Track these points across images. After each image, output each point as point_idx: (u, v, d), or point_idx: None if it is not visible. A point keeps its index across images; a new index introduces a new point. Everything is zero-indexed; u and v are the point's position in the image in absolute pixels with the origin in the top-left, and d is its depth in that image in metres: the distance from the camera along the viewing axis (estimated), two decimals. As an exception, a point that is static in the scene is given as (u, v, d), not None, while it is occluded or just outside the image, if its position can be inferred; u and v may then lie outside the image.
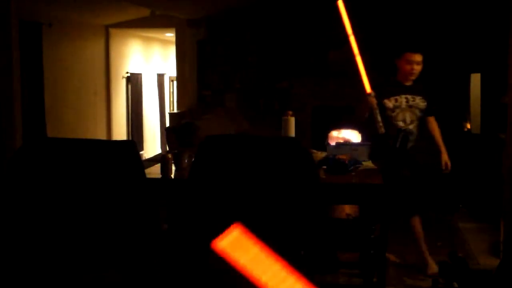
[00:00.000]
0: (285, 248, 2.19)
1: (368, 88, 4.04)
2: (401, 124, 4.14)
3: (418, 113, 4.19)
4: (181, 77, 8.75)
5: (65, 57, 7.98)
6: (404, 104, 4.16)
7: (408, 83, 4.20)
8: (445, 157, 4.29)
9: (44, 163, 2.25)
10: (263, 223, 2.21)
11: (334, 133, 4.25)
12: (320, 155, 3.82)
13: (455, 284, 3.66)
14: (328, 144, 4.02)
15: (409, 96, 4.18)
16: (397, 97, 4.17)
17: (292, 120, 4.25)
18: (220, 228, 2.26)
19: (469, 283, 3.57)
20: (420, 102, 4.19)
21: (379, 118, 4.02)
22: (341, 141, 4.05)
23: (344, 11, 4.30)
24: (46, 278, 2.23)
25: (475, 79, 6.36)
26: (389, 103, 4.16)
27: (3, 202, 2.24)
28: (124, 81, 9.80)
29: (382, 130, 4.02)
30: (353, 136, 4.23)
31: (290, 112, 4.31)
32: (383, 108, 4.12)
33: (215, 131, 2.54)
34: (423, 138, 4.25)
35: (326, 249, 2.26)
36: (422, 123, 4.24)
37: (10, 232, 2.23)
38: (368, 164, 3.69)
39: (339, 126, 4.41)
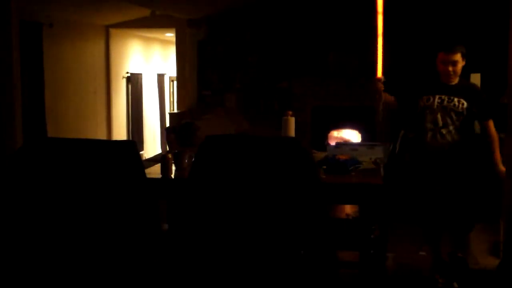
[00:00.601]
0: (285, 248, 2.20)
1: (379, 72, 3.79)
2: (430, 126, 3.78)
3: (454, 116, 3.73)
4: (181, 77, 8.75)
5: (66, 57, 7.99)
6: (436, 104, 3.75)
7: (451, 82, 3.79)
8: (499, 168, 3.85)
9: (44, 163, 2.25)
10: (263, 223, 2.21)
11: (334, 133, 4.26)
12: (320, 155, 3.82)
13: (455, 284, 3.67)
14: (328, 144, 4.02)
15: (445, 97, 3.74)
16: (430, 96, 3.78)
17: (292, 120, 4.25)
18: (220, 228, 2.27)
19: (469, 283, 3.57)
20: (458, 104, 3.73)
21: (380, 107, 3.80)
22: (341, 141, 4.05)
23: None
24: (46, 278, 2.23)
25: (475, 79, 6.35)
26: (421, 103, 3.80)
27: (3, 202, 2.24)
28: (124, 81, 9.80)
29: (380, 119, 3.87)
30: (353, 136, 4.23)
31: (290, 112, 4.31)
32: (415, 108, 3.82)
33: (215, 131, 2.54)
34: (466, 145, 3.78)
35: (326, 249, 2.26)
36: (464, 128, 3.79)
37: (10, 232, 2.23)
38: (368, 164, 3.69)
39: (339, 126, 4.41)
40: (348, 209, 4.43)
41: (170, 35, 9.98)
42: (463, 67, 3.87)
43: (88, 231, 2.21)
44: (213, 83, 8.16)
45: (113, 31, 9.22)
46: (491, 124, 3.82)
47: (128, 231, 2.21)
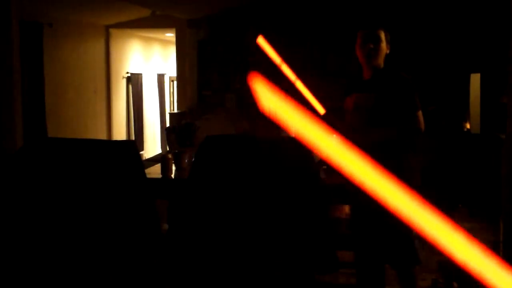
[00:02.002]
0: (285, 248, 2.20)
1: (320, 109, 3.36)
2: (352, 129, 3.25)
3: (365, 116, 3.16)
4: (181, 77, 8.76)
5: (66, 57, 7.99)
6: (351, 105, 3.26)
7: (368, 76, 3.24)
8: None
9: (45, 163, 2.25)
10: (264, 223, 2.21)
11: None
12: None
13: (455, 284, 3.67)
14: (328, 144, 4.01)
15: (361, 95, 3.22)
16: (349, 97, 3.30)
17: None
18: (220, 228, 2.27)
19: (469, 283, 3.57)
20: (368, 102, 3.17)
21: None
22: (341, 141, 4.04)
23: (266, 45, 3.82)
24: (46, 277, 2.23)
25: (475, 79, 6.37)
26: (345, 105, 3.33)
27: (4, 202, 2.24)
28: (124, 81, 9.80)
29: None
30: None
31: (290, 112, 4.30)
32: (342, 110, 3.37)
33: (215, 131, 2.54)
34: (385, 152, 3.02)
35: (326, 249, 2.26)
36: (383, 126, 3.13)
37: (10, 232, 2.23)
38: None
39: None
40: (348, 209, 4.42)
41: (170, 35, 9.98)
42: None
43: (88, 231, 2.21)
44: (213, 83, 8.16)
45: (113, 31, 9.22)
46: (419, 115, 3.15)
47: (128, 231, 2.21)
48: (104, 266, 2.21)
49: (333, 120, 3.23)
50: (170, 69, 11.29)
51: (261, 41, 4.00)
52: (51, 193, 2.22)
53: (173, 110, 11.48)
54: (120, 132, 9.58)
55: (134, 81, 10.07)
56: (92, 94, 8.81)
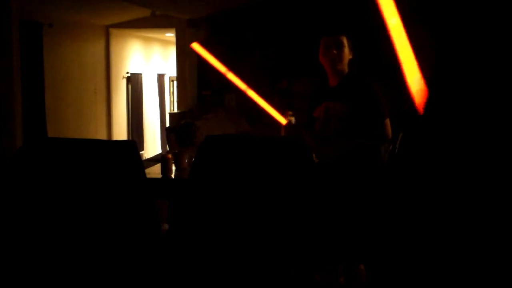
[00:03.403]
0: (285, 248, 2.20)
1: (281, 119, 3.37)
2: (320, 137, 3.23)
3: (336, 124, 3.14)
4: (181, 77, 8.76)
5: (66, 57, 7.99)
6: (322, 114, 3.23)
7: (338, 76, 3.22)
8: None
9: (45, 163, 2.25)
10: (264, 223, 2.21)
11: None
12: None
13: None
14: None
15: (330, 104, 3.19)
16: (319, 106, 3.27)
17: (292, 120, 4.25)
18: (220, 228, 2.27)
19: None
20: (338, 110, 3.14)
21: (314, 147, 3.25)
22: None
23: (203, 51, 3.72)
24: (46, 277, 2.23)
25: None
26: (313, 114, 3.30)
27: (3, 202, 2.24)
28: (124, 81, 9.81)
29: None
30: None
31: (290, 112, 4.31)
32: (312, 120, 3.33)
33: (215, 131, 2.54)
34: (354, 159, 3.10)
35: (326, 248, 2.26)
36: (354, 134, 3.11)
37: (10, 232, 2.23)
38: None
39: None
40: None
41: (170, 35, 9.98)
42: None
43: (88, 231, 2.22)
44: (213, 83, 8.15)
45: (113, 31, 9.23)
46: (386, 123, 3.12)
47: (128, 231, 2.22)
48: (104, 266, 2.21)
49: (298, 130, 3.29)
50: (170, 69, 11.29)
51: (196, 47, 3.94)
52: (51, 193, 2.22)
53: (173, 110, 11.48)
54: (120, 132, 9.59)
55: (134, 81, 10.08)
56: (92, 94, 8.81)
